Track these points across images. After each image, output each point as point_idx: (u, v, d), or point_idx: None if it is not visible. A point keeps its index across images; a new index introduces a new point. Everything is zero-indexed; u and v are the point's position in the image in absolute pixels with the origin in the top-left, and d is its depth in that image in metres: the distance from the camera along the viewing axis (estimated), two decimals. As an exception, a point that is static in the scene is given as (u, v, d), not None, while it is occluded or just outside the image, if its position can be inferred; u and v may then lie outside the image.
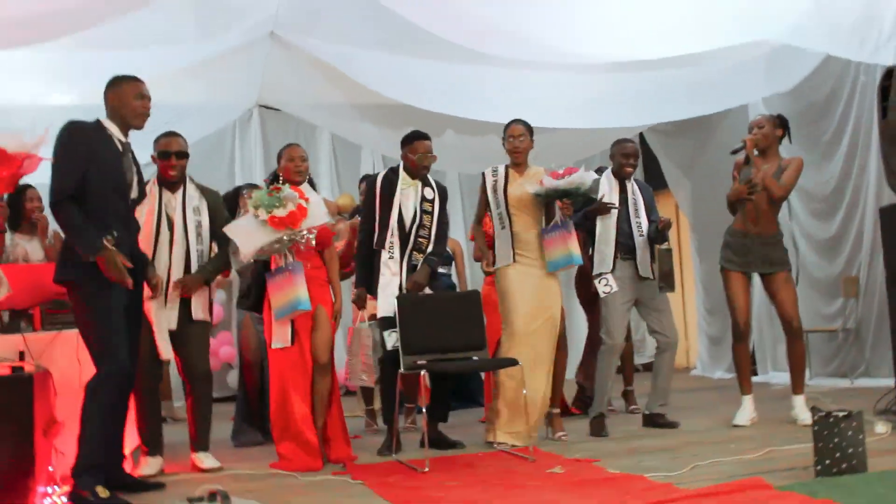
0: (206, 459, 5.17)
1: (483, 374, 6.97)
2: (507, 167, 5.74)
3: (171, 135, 5.21)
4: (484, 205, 5.83)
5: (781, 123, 5.95)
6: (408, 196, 5.58)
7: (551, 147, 7.27)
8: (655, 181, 10.13)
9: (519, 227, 5.63)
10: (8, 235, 6.25)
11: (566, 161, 6.23)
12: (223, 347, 9.21)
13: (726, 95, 8.04)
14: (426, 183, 5.66)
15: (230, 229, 5.14)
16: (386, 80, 8.02)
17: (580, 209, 5.99)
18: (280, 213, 4.98)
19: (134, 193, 4.54)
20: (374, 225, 5.55)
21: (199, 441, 5.23)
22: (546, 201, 5.60)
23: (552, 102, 8.09)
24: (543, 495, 3.90)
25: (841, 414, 3.98)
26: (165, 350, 4.98)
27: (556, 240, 5.56)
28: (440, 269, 6.27)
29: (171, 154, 5.14)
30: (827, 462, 3.94)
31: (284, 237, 5.02)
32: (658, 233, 5.92)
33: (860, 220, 7.69)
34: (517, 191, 5.63)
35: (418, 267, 5.51)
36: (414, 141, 5.62)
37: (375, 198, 5.59)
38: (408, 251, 5.52)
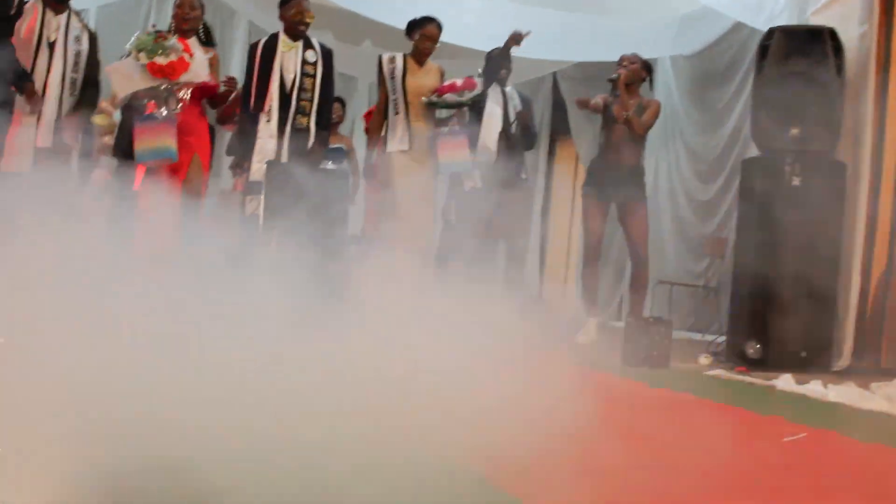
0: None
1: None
2: (405, 56, 5.81)
3: None
4: (383, 92, 5.87)
5: (648, 69, 6.26)
6: (289, 59, 5.59)
7: (468, 69, 7.38)
8: (562, 127, 10.38)
9: (413, 117, 5.72)
10: None
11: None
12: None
13: (636, 47, 8.20)
14: (308, 45, 5.68)
15: (111, 68, 5.14)
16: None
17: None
18: (161, 60, 4.97)
19: None
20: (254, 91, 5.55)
21: None
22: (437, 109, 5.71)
23: (475, 26, 8.17)
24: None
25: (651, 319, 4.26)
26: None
27: (453, 144, 5.66)
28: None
29: None
30: (632, 359, 4.23)
31: (162, 87, 5.03)
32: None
33: (738, 185, 7.95)
34: (416, 81, 5.72)
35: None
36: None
37: (255, 63, 5.57)
38: (290, 115, 5.53)
